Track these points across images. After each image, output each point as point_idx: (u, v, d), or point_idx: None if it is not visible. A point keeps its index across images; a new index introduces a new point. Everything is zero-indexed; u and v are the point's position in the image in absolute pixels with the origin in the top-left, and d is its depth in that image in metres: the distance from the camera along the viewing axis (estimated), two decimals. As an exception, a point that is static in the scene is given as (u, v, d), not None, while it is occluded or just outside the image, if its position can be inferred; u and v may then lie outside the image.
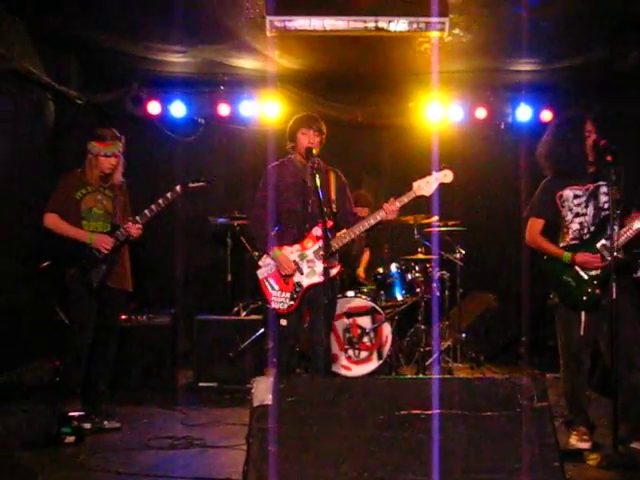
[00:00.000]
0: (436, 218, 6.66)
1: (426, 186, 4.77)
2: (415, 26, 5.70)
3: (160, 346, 6.18)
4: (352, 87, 7.90)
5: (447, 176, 4.80)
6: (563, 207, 4.47)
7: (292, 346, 5.03)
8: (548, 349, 6.78)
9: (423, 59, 6.83)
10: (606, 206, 4.32)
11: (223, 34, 6.26)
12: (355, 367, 6.23)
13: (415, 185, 4.78)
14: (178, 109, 7.80)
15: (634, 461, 3.96)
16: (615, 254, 4.12)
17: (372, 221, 4.79)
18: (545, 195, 4.55)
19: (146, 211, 5.13)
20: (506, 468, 2.78)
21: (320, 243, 4.76)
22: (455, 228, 6.97)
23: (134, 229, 5.10)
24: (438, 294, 6.81)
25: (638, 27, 6.06)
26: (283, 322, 4.86)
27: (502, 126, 8.18)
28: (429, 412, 2.80)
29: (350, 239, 4.86)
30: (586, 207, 4.42)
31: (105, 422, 4.92)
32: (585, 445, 4.32)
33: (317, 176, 4.56)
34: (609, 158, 4.19)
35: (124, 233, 5.11)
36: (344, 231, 4.87)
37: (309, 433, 2.73)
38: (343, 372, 6.16)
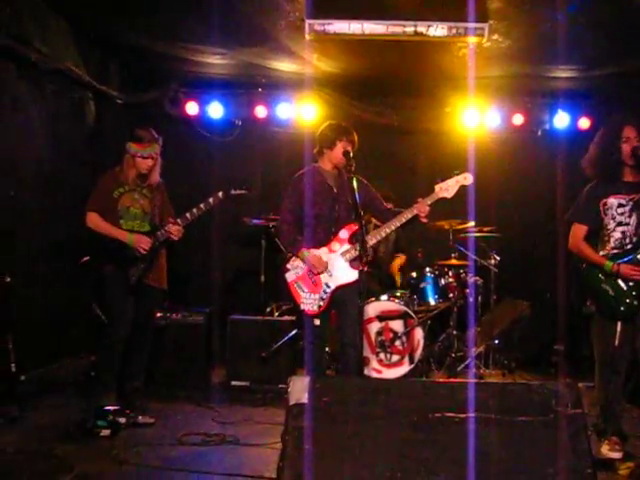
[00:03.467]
0: (472, 224, 6.65)
1: (448, 188, 4.86)
2: (454, 31, 5.70)
3: (194, 344, 6.25)
4: (389, 91, 7.92)
5: (467, 179, 4.91)
6: (606, 215, 4.44)
7: (322, 347, 5.06)
8: (582, 358, 6.72)
9: (461, 64, 6.82)
10: None
11: (262, 36, 6.31)
12: (386, 370, 6.24)
13: (437, 187, 4.88)
14: (216, 110, 7.89)
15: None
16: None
17: (403, 219, 4.86)
18: (589, 201, 4.52)
19: (187, 214, 5.21)
20: (539, 473, 2.78)
21: (348, 245, 4.87)
22: (490, 234, 6.94)
23: (175, 230, 5.17)
24: (472, 300, 6.79)
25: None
26: (317, 322, 4.91)
27: (539, 133, 8.14)
28: (463, 415, 2.80)
29: (380, 238, 4.94)
30: (629, 217, 4.39)
31: (139, 417, 4.99)
32: (617, 455, 4.28)
33: (354, 179, 4.61)
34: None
35: (164, 234, 5.19)
36: (378, 228, 4.93)
37: (343, 432, 2.75)
38: (374, 375, 6.17)
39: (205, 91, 7.91)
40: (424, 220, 4.89)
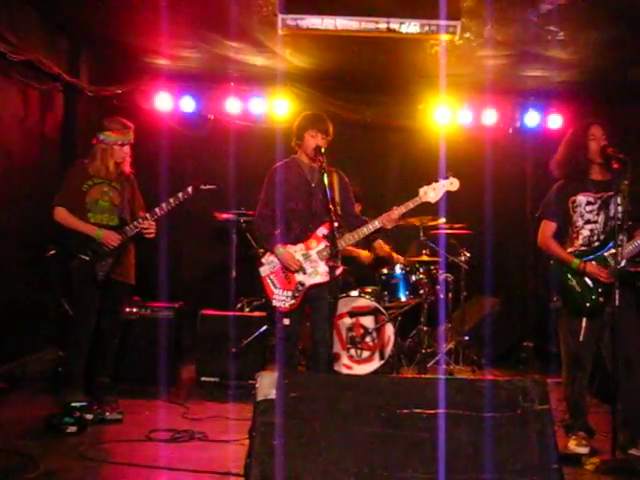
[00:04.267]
0: (442, 221, 6.68)
1: (432, 193, 4.81)
2: (427, 28, 5.70)
3: (163, 340, 6.19)
4: (362, 87, 7.92)
5: (453, 184, 4.85)
6: (575, 212, 4.49)
7: (294, 344, 5.04)
8: (551, 354, 6.79)
9: (433, 61, 6.84)
10: (618, 216, 4.31)
11: (235, 31, 6.28)
12: (357, 366, 6.25)
13: (421, 191, 4.82)
14: (188, 104, 7.84)
15: (632, 467, 3.98)
16: (622, 265, 4.14)
17: (371, 227, 4.83)
18: (558, 198, 4.57)
19: (156, 209, 5.17)
20: (505, 469, 2.80)
21: (324, 243, 4.80)
22: (461, 231, 6.98)
23: (148, 225, 5.13)
24: (442, 296, 6.82)
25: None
26: (286, 321, 4.88)
27: (510, 131, 8.20)
28: (431, 411, 2.82)
29: (354, 241, 4.90)
30: (598, 215, 4.44)
31: (107, 413, 4.93)
32: (583, 450, 4.33)
33: (325, 175, 4.59)
34: (616, 166, 4.22)
35: (133, 229, 5.14)
36: (349, 233, 4.90)
37: (312, 428, 2.74)
38: (345, 371, 6.18)
39: (178, 85, 7.85)
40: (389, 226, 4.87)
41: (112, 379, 5.37)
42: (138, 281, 5.49)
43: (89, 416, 4.74)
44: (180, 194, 5.19)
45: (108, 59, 7.38)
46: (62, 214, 5.08)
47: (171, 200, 5.17)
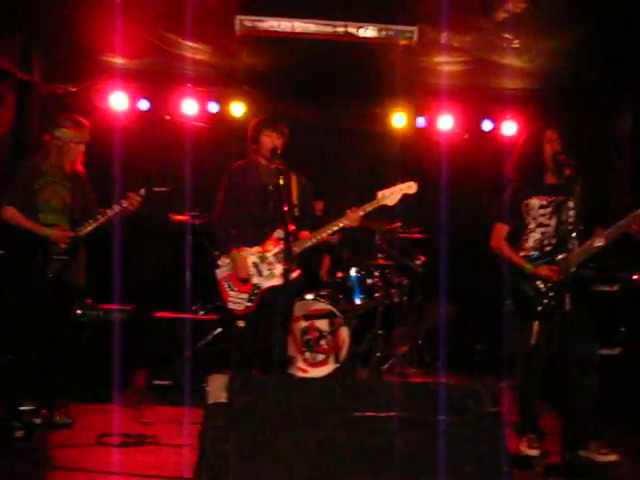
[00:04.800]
0: (398, 224, 6.71)
1: (390, 196, 4.82)
2: (384, 33, 5.76)
3: (116, 342, 6.10)
4: (319, 90, 7.92)
5: (411, 187, 4.87)
6: (527, 215, 4.53)
7: (249, 347, 5.01)
8: (503, 358, 6.86)
9: (390, 66, 6.87)
10: (570, 220, 4.36)
11: (192, 31, 6.23)
12: (311, 370, 6.24)
13: (379, 195, 4.83)
14: (144, 104, 7.74)
15: (581, 469, 4.04)
16: (573, 269, 4.20)
17: (334, 228, 4.81)
18: (512, 201, 4.61)
19: (108, 210, 5.08)
20: (457, 472, 2.81)
21: (281, 246, 4.74)
22: (417, 235, 7.02)
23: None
24: (397, 300, 6.84)
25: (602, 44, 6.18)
26: (240, 323, 4.85)
27: (465, 136, 8.27)
28: (383, 414, 2.82)
29: (312, 244, 4.87)
30: (550, 219, 4.48)
31: (56, 417, 4.85)
32: (534, 452, 4.38)
33: (281, 178, 4.56)
34: (567, 172, 4.28)
35: (84, 229, 5.05)
36: (306, 236, 4.87)
37: (263, 432, 2.73)
38: (299, 374, 6.16)
39: (134, 84, 7.74)
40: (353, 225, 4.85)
41: (62, 382, 5.26)
42: (91, 283, 5.40)
43: (38, 420, 4.67)
44: (133, 194, 5.10)
45: (62, 57, 7.25)
46: (11, 213, 4.97)
47: (123, 202, 5.08)
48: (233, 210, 4.89)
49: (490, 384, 3.07)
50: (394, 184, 4.84)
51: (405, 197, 4.88)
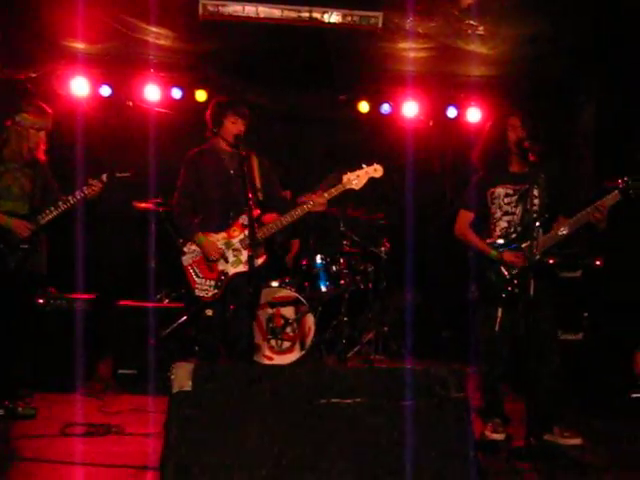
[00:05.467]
0: (363, 211, 6.71)
1: (356, 180, 4.80)
2: (349, 19, 5.74)
3: (79, 331, 6.03)
4: (283, 77, 7.86)
5: (377, 170, 4.85)
6: (493, 204, 4.56)
7: (215, 335, 4.99)
8: (469, 344, 6.92)
9: (355, 53, 6.86)
10: (534, 209, 4.38)
11: (154, 15, 6.14)
12: (277, 357, 6.23)
13: (345, 178, 4.80)
14: (106, 90, 7.62)
15: (545, 452, 4.09)
16: (537, 256, 4.24)
17: (299, 212, 4.78)
18: (477, 189, 4.64)
19: (69, 197, 4.98)
20: (422, 457, 2.82)
21: (247, 232, 4.72)
22: (381, 222, 7.03)
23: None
24: (362, 287, 6.86)
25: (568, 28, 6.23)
26: (209, 312, 4.82)
27: (430, 123, 8.29)
28: (348, 401, 2.82)
29: (277, 229, 4.85)
30: (516, 207, 4.51)
31: (19, 408, 4.77)
32: (499, 437, 4.42)
33: (245, 164, 4.53)
34: (532, 158, 4.31)
35: (45, 217, 4.95)
36: (272, 221, 4.85)
37: (228, 420, 2.71)
38: (265, 362, 6.15)
39: (95, 70, 7.61)
40: (318, 209, 4.83)
41: (25, 373, 5.18)
42: (54, 272, 5.32)
43: (0, 412, 4.60)
44: (95, 180, 5.01)
45: (22, 42, 7.10)
46: (-32, 202, 4.86)
47: (84, 188, 4.98)
48: (194, 197, 4.84)
49: (456, 370, 3.08)
50: (360, 167, 4.82)
51: (371, 181, 4.86)
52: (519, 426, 4.42)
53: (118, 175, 5.13)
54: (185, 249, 4.87)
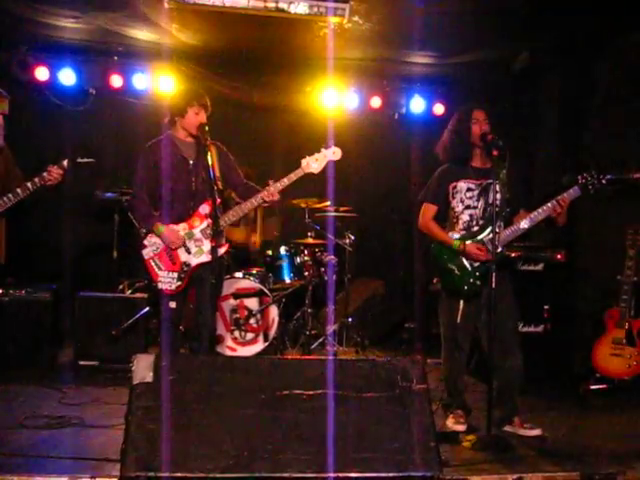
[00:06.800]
0: (328, 203, 6.71)
1: (315, 163, 4.78)
2: (315, 10, 5.71)
3: (39, 322, 5.97)
4: (249, 67, 7.80)
5: (336, 153, 4.84)
6: (454, 198, 4.59)
7: (176, 326, 4.95)
8: (432, 336, 6.98)
9: (322, 44, 6.83)
10: (496, 203, 4.40)
11: (119, 2, 6.05)
12: (241, 348, 6.22)
13: (304, 162, 4.79)
14: (68, 77, 7.47)
15: (506, 443, 4.13)
16: (499, 249, 4.28)
17: (254, 202, 4.77)
18: (440, 183, 4.66)
19: (28, 183, 4.87)
20: (384, 447, 2.84)
21: (208, 221, 4.70)
22: (346, 214, 7.04)
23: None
24: (326, 278, 6.86)
25: (529, 27, 6.27)
26: (172, 304, 4.77)
27: (396, 116, 8.31)
28: (310, 392, 2.82)
29: (238, 217, 4.83)
30: (477, 201, 4.55)
31: (-23, 400, 4.72)
32: (461, 427, 4.47)
33: (208, 154, 4.50)
34: (495, 153, 4.34)
35: (4, 205, 4.85)
36: (232, 210, 4.82)
37: (190, 411, 2.70)
38: (228, 353, 6.13)
39: (57, 56, 7.47)
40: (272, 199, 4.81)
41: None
42: (13, 261, 5.24)
43: (-43, 403, 4.53)
44: (55, 167, 4.90)
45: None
46: None
47: (44, 174, 4.88)
48: (151, 189, 4.79)
49: (417, 360, 3.11)
50: (318, 151, 4.81)
51: (336, 173, 4.85)
52: (480, 417, 4.46)
53: (80, 161, 5.04)
54: (146, 242, 4.80)
